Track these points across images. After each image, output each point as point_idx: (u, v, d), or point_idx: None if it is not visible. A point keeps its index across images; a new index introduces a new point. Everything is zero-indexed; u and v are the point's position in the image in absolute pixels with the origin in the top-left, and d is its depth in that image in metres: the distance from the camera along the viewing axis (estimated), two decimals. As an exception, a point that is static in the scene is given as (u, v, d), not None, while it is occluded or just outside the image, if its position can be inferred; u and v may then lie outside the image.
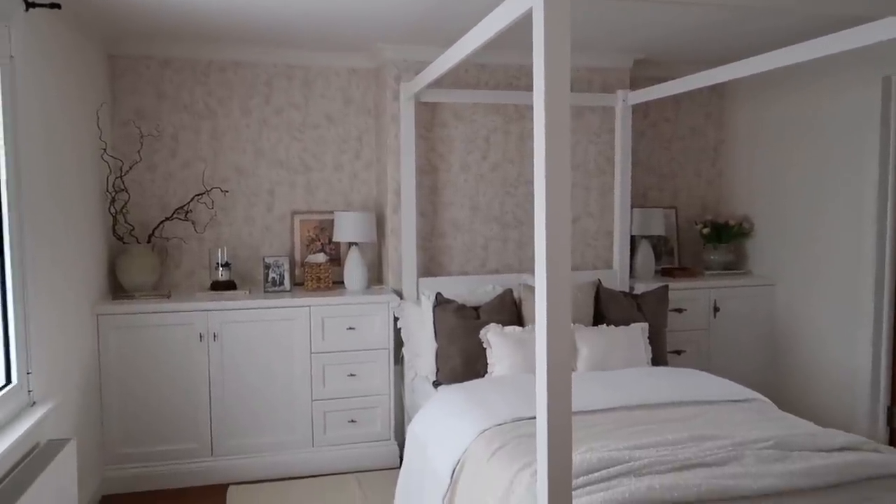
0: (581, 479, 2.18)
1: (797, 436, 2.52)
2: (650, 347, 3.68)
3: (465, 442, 2.71)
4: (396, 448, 3.90)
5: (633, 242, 4.41)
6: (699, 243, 4.74)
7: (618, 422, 2.75)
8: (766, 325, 4.45)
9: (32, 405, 2.61)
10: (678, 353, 4.23)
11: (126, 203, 3.89)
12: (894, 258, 3.78)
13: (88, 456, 3.32)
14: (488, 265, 4.19)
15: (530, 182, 3.73)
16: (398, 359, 3.93)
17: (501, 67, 4.11)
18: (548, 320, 1.78)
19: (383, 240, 4.17)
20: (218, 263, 3.93)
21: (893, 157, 3.73)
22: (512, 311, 3.67)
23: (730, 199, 4.84)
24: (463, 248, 4.15)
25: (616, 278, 4.25)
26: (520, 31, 2.10)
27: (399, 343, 3.89)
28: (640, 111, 4.54)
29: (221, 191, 4.09)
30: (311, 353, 3.78)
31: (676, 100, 4.69)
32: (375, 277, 4.31)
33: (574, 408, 1.84)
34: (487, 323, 3.51)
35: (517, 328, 3.50)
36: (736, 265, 4.69)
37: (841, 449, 2.44)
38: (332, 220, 4.14)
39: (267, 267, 3.99)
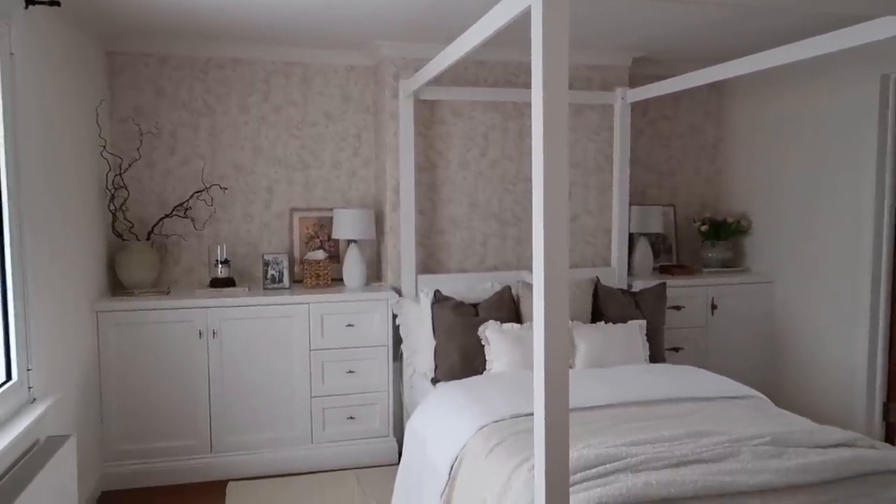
0: (578, 476, 2.19)
1: (794, 432, 2.53)
2: (648, 344, 3.69)
3: (463, 438, 2.72)
4: (395, 444, 3.92)
5: (632, 240, 4.42)
6: (697, 241, 4.75)
7: (615, 418, 2.76)
8: (763, 323, 4.47)
9: (32, 402, 2.61)
10: (676, 350, 4.25)
11: (125, 200, 3.90)
12: (891, 256, 3.80)
13: (88, 452, 3.33)
14: (487, 262, 4.19)
15: (529, 179, 3.73)
16: (397, 356, 3.94)
17: (500, 64, 4.11)
18: (546, 317, 1.78)
19: (382, 237, 4.17)
20: (217, 260, 3.94)
21: (891, 155, 3.75)
22: (510, 308, 3.68)
23: (728, 196, 4.85)
24: (461, 246, 4.16)
25: (614, 275, 4.26)
26: (519, 28, 2.10)
27: (398, 340, 3.89)
28: (639, 109, 4.55)
29: (220, 188, 4.10)
30: (310, 349, 3.79)
31: (675, 97, 4.70)
32: (374, 274, 4.31)
33: (572, 404, 1.85)
34: (486, 320, 3.52)
35: (515, 325, 3.51)
36: (734, 263, 4.70)
37: (837, 445, 2.45)
38: (331, 218, 4.14)
39: (266, 264, 4.00)
